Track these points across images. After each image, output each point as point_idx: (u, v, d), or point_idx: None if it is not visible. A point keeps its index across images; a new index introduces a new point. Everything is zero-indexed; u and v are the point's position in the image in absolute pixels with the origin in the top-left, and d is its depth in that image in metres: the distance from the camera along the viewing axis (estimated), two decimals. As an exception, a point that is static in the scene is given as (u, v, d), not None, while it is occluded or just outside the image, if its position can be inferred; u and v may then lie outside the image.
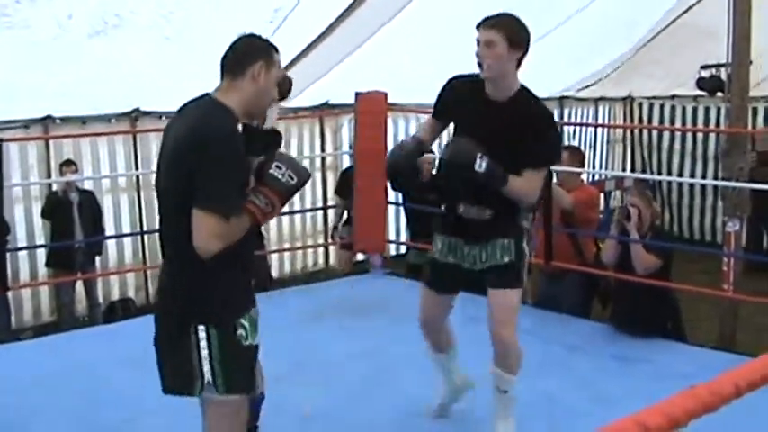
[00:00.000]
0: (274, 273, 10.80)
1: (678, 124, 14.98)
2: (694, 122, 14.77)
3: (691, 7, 12.28)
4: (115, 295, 10.10)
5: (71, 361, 5.74)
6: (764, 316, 8.29)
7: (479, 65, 4.01)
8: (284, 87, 5.29)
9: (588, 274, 7.23)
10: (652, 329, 6.32)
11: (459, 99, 4.25)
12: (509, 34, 3.94)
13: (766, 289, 7.16)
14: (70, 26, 7.58)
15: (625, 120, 15.92)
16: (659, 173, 15.23)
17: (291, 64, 9.42)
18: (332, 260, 11.48)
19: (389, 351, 5.88)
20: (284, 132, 10.87)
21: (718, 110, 13.86)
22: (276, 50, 3.40)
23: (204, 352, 3.20)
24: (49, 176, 9.40)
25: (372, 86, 7.86)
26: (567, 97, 14.48)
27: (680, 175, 14.88)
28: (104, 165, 9.79)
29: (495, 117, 4.06)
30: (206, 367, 3.21)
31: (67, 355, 5.93)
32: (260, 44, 3.39)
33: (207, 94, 3.32)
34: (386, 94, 7.83)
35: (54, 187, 9.38)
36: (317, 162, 11.16)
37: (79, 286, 9.52)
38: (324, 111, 11.20)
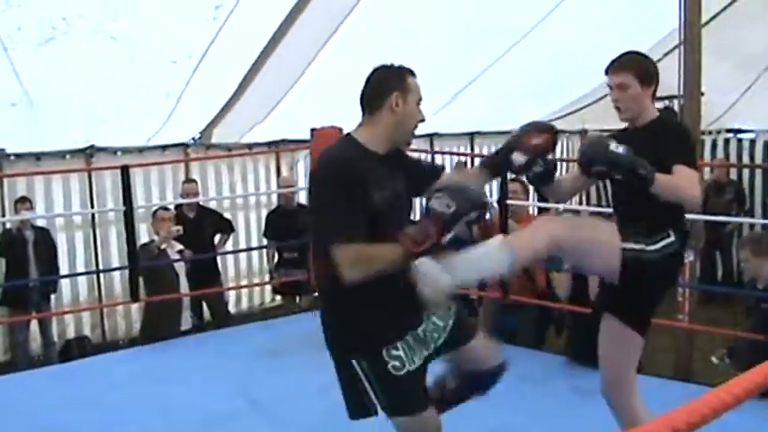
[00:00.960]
0: (232, 309, 10.74)
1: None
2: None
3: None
4: (71, 333, 9.97)
5: (25, 401, 5.68)
6: (720, 346, 8.34)
7: (617, 108, 4.02)
8: None
9: (543, 306, 7.29)
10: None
11: None
12: (639, 73, 3.95)
13: (720, 319, 7.22)
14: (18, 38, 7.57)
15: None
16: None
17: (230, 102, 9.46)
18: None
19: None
20: (240, 168, 10.94)
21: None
22: (411, 73, 3.51)
23: (365, 382, 3.39)
24: (2, 213, 9.29)
25: (328, 122, 7.87)
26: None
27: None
28: (59, 202, 9.69)
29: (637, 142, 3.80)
30: (372, 395, 3.40)
31: (21, 396, 5.87)
32: (393, 74, 3.49)
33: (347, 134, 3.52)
34: (341, 129, 7.83)
35: (8, 225, 9.28)
36: (273, 198, 11.13)
37: (34, 325, 9.37)
38: (280, 147, 11.19)
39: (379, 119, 3.43)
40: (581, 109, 13.73)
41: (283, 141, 11.11)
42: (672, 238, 3.84)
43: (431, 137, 12.49)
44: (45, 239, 9.19)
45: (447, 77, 10.70)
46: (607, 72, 4.01)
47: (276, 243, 9.65)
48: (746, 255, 6.68)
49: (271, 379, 6.08)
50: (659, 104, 12.51)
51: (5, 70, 7.85)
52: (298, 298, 9.71)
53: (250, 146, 10.64)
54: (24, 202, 9.04)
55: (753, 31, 11.31)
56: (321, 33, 9.04)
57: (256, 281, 11.30)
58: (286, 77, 9.43)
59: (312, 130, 7.87)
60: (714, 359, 6.68)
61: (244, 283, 11.16)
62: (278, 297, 10.78)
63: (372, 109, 3.44)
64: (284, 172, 11.55)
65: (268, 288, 11.35)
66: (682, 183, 3.71)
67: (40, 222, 9.39)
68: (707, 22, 7.86)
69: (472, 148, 13.57)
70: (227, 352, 6.90)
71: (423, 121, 3.56)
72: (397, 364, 3.36)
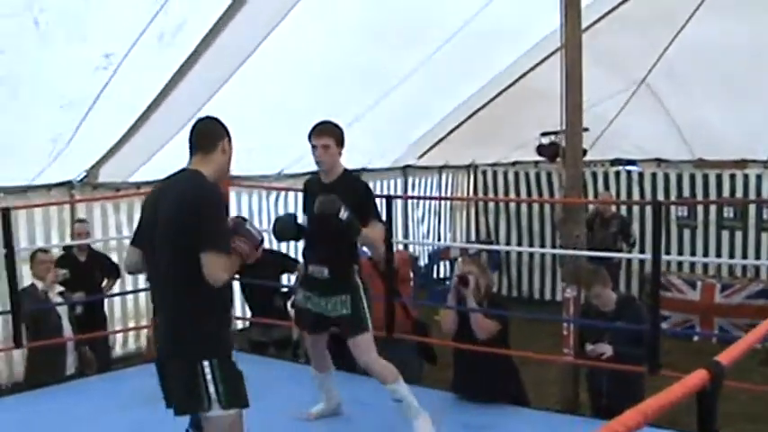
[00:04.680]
0: (119, 350, 10.57)
1: (522, 189, 15.42)
2: (538, 187, 15.22)
3: (526, 73, 12.64)
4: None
5: None
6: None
7: (318, 163, 5.57)
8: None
9: (423, 342, 7.41)
10: (495, 396, 6.41)
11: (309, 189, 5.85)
12: (337, 138, 5.54)
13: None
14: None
15: (469, 186, 16.26)
16: (507, 238, 15.68)
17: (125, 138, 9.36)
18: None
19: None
20: (127, 209, 10.74)
21: (560, 175, 14.28)
22: None
23: (209, 377, 4.06)
24: None
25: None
26: (410, 166, 14.67)
27: (524, 240, 15.36)
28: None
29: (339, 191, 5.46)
30: (212, 389, 4.06)
31: None
32: (220, 124, 4.39)
33: (185, 169, 4.32)
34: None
35: None
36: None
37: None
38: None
39: (212, 158, 4.29)
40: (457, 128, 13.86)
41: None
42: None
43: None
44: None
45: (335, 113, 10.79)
46: (311, 136, 5.51)
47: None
48: (598, 289, 6.90)
49: (151, 424, 5.96)
50: (545, 139, 12.88)
51: None
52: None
53: (138, 185, 10.46)
54: None
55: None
56: (213, 83, 9.05)
57: (144, 322, 11.10)
58: (177, 121, 9.36)
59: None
60: None
61: (131, 324, 10.93)
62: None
63: (207, 150, 4.30)
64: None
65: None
66: (375, 236, 5.63)
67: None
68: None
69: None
70: (109, 396, 6.77)
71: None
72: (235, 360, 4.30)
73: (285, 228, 5.77)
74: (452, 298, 6.62)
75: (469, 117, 13.55)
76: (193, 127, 4.38)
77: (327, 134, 5.49)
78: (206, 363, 4.04)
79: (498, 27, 10.28)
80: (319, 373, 6.09)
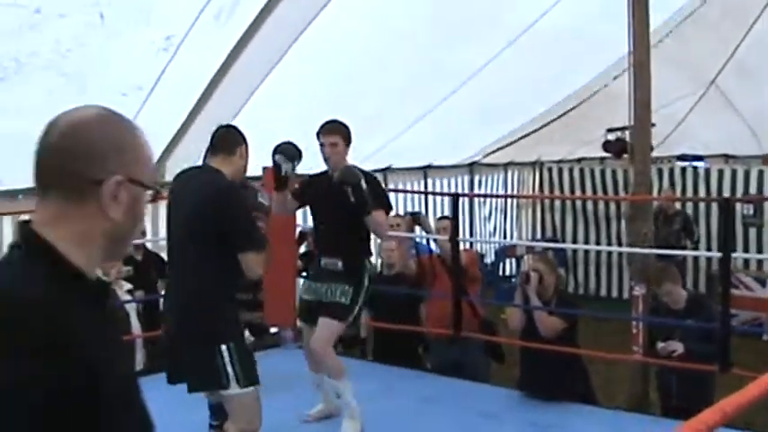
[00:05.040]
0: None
1: (588, 186, 15.27)
2: (603, 184, 15.08)
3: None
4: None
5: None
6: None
7: (326, 160, 5.65)
8: None
9: (491, 340, 7.36)
10: (562, 394, 6.36)
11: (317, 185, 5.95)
12: (345, 136, 5.65)
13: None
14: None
15: (534, 183, 16.16)
16: (574, 236, 15.54)
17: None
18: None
19: (297, 427, 5.93)
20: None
21: (625, 172, 14.17)
22: None
23: (227, 359, 4.44)
24: None
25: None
26: (475, 163, 14.61)
27: (590, 238, 15.20)
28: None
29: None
30: (229, 369, 4.44)
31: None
32: (238, 131, 4.86)
33: (205, 165, 4.79)
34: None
35: None
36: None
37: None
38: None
39: (233, 160, 4.70)
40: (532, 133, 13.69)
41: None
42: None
43: (384, 171, 12.46)
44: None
45: (401, 109, 10.74)
46: (319, 134, 5.62)
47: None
48: (669, 287, 6.80)
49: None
50: (612, 136, 12.74)
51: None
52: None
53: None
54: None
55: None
56: (266, 64, 9.03)
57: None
58: (234, 106, 9.39)
59: (264, 168, 7.84)
60: None
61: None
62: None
63: (228, 153, 4.71)
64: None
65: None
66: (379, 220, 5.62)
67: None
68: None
69: (425, 184, 13.54)
70: (173, 391, 6.81)
71: None
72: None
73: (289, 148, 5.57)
74: (519, 296, 6.59)
75: (553, 121, 13.43)
76: (215, 132, 4.87)
77: (336, 132, 5.63)
78: (224, 347, 4.44)
79: (570, 26, 10.13)
80: (315, 374, 6.00)
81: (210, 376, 4.50)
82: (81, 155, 1.64)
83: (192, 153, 9.60)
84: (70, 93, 7.85)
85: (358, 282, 5.62)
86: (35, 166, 1.68)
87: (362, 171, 5.68)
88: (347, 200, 5.40)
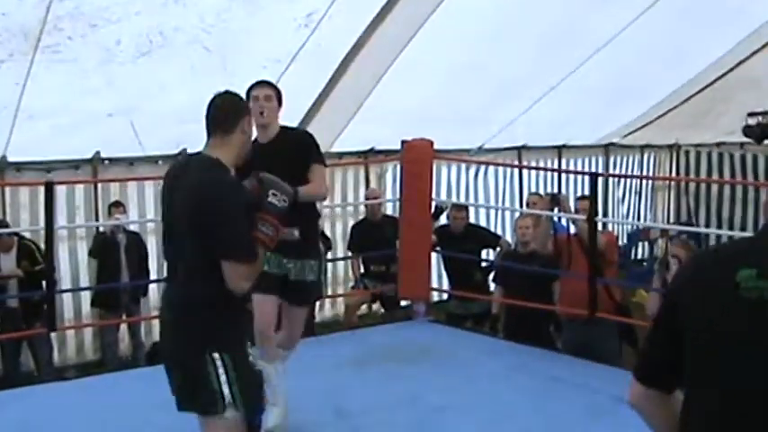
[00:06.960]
0: (317, 317, 10.79)
1: (726, 172, 14.90)
2: (743, 170, 14.68)
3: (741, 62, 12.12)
4: (158, 337, 10.05)
5: (113, 403, 5.76)
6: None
7: (260, 113, 5.06)
8: None
9: (624, 322, 7.27)
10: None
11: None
12: (278, 94, 5.22)
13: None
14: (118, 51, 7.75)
15: (671, 167, 15.86)
16: (707, 222, 15.14)
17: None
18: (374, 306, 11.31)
19: (430, 399, 5.86)
20: (329, 177, 10.93)
21: (767, 158, 13.80)
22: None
23: (222, 377, 3.62)
24: (96, 217, 9.49)
25: (416, 133, 7.88)
26: (612, 144, 14.39)
27: (728, 222, 14.81)
28: (150, 206, 9.83)
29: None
30: (225, 389, 3.62)
31: (111, 396, 5.96)
32: (240, 99, 4.00)
33: (201, 153, 3.81)
34: (431, 142, 7.82)
35: (102, 228, 9.43)
36: (361, 208, 11.08)
37: (123, 326, 9.54)
38: (369, 158, 11.24)
39: (232, 140, 3.79)
40: (669, 112, 13.38)
41: (372, 151, 11.16)
42: None
43: (519, 150, 12.39)
44: (137, 244, 9.35)
45: (532, 81, 10.66)
46: (250, 90, 5.11)
47: (361, 255, 9.76)
48: None
49: (356, 388, 6.08)
50: (752, 120, 12.38)
51: (105, 82, 8.02)
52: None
53: (340, 155, 10.62)
54: (118, 206, 9.22)
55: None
56: (401, 41, 9.09)
57: (340, 291, 11.30)
58: (369, 80, 9.46)
59: (403, 141, 7.87)
60: None
61: (329, 292, 11.14)
62: (363, 307, 10.72)
63: (226, 130, 3.78)
64: (373, 182, 11.55)
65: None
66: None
67: (133, 227, 9.53)
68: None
69: (560, 163, 13.41)
70: (313, 360, 6.91)
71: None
72: (252, 359, 3.90)
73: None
74: (658, 281, 6.48)
75: (684, 101, 13.11)
76: (210, 103, 3.87)
77: (269, 86, 5.24)
78: (216, 355, 3.64)
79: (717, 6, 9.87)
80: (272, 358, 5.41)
81: (200, 395, 3.70)
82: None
83: (324, 125, 9.78)
84: (212, 67, 8.04)
85: (318, 254, 5.52)
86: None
87: (294, 129, 5.62)
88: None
